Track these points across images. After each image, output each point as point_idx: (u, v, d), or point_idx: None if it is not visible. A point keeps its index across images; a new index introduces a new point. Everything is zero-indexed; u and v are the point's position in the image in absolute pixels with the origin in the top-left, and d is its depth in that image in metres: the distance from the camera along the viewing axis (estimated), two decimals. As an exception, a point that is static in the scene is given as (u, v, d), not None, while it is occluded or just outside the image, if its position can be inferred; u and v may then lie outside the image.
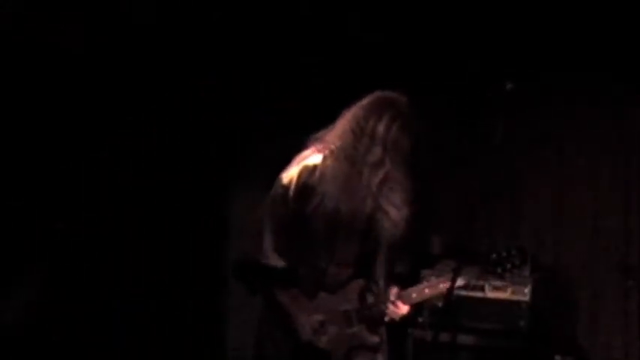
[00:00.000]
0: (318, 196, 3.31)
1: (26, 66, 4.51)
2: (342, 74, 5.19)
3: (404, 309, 3.48)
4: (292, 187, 3.33)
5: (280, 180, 3.37)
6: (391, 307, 3.46)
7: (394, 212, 3.34)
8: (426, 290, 3.52)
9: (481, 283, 5.00)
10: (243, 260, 3.44)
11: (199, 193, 5.34)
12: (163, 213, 5.19)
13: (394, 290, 3.50)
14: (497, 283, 5.01)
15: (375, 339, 3.47)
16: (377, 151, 3.31)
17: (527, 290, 5.00)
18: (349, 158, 3.32)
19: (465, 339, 5.02)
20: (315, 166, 3.35)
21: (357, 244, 3.41)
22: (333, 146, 3.35)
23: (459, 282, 3.51)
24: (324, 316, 3.40)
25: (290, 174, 3.37)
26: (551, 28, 5.23)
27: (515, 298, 5.01)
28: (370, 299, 3.47)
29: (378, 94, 3.41)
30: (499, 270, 3.55)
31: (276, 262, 3.35)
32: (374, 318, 3.46)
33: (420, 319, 5.02)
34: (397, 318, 3.48)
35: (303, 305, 3.39)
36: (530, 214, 5.57)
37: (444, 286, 3.50)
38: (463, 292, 4.92)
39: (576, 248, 5.46)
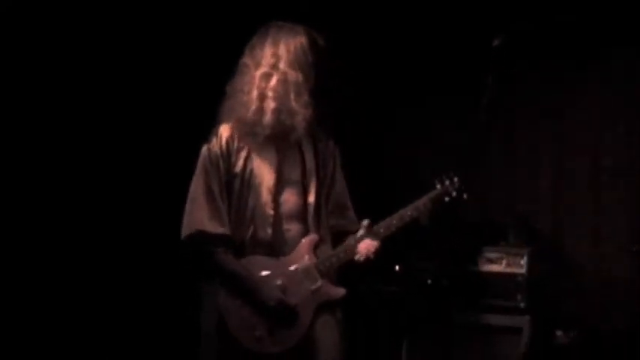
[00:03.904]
0: (244, 150, 3.31)
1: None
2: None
3: (374, 244, 3.30)
4: (216, 148, 3.31)
5: (204, 147, 3.34)
6: (361, 244, 3.29)
7: (302, 112, 3.25)
8: (394, 221, 3.34)
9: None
10: (185, 238, 3.29)
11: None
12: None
13: (365, 222, 3.33)
14: (491, 255, 4.69)
15: (341, 291, 3.32)
16: (269, 61, 3.28)
17: (523, 262, 4.65)
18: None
19: (458, 316, 4.69)
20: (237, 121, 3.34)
21: (294, 190, 3.33)
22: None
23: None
24: (283, 279, 3.24)
25: (213, 139, 3.36)
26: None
27: (510, 270, 4.66)
28: (324, 251, 3.32)
29: None
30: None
31: (215, 228, 3.22)
32: (335, 268, 3.32)
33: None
34: (371, 255, 3.29)
35: (259, 271, 3.24)
36: (527, 180, 5.22)
37: (410, 214, 3.34)
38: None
39: (578, 216, 5.11)
